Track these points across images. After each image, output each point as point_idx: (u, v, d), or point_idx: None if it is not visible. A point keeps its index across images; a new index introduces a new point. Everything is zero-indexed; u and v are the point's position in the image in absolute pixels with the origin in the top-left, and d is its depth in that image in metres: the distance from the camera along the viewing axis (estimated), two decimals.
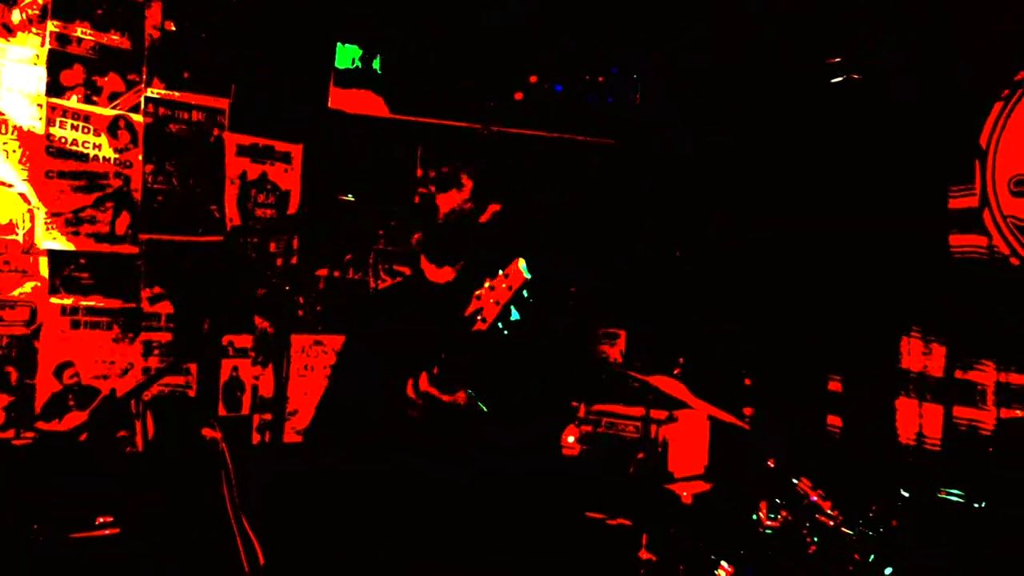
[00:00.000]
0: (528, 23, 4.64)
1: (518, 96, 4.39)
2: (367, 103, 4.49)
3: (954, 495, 3.29)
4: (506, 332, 2.44)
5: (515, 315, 2.46)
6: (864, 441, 3.88)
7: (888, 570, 3.15)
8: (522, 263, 2.47)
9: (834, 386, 4.18)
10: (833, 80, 4.48)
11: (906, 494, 3.26)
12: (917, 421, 4.03)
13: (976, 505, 3.30)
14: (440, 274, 2.97)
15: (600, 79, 4.60)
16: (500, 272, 2.48)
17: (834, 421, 4.09)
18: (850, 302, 4.17)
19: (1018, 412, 3.56)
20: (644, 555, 3.38)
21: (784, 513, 3.29)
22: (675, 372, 3.78)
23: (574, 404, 3.74)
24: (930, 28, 4.10)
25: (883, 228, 4.25)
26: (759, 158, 4.67)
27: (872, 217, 4.30)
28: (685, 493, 3.61)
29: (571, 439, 3.72)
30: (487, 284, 2.51)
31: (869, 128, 4.34)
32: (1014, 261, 4.05)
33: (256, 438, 4.36)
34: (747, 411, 3.98)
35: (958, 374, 4.04)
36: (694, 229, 4.19)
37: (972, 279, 4.11)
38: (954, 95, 4.25)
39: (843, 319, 4.17)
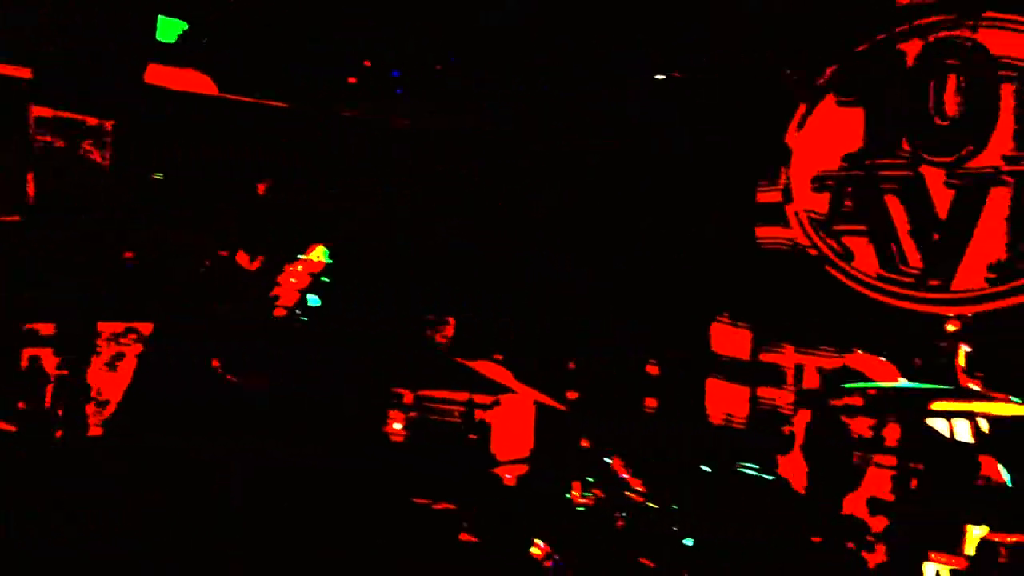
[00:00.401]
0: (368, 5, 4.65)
1: (351, 80, 4.45)
2: (191, 80, 4.43)
3: (750, 468, 3.55)
4: (304, 318, 2.55)
5: (314, 301, 2.56)
6: (677, 420, 4.13)
7: (688, 541, 3.38)
8: (321, 249, 2.57)
9: (652, 369, 4.43)
10: (657, 77, 4.73)
11: (708, 469, 3.50)
12: (725, 401, 4.31)
13: (769, 478, 3.57)
14: (248, 261, 3.05)
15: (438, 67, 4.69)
16: (299, 257, 2.58)
17: (651, 403, 4.33)
18: (668, 291, 4.42)
19: None
20: (465, 537, 3.53)
21: (597, 491, 3.49)
22: (497, 358, 3.94)
23: (400, 390, 3.85)
24: (731, 36, 4.38)
25: (699, 222, 4.53)
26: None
27: (688, 212, 4.56)
28: (508, 476, 3.78)
29: (397, 425, 3.84)
30: (287, 269, 2.61)
31: (688, 126, 4.60)
32: (812, 252, 4.37)
33: (59, 433, 4.20)
34: (571, 395, 4.18)
35: (762, 357, 4.34)
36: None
37: (776, 268, 4.42)
38: (764, 98, 4.55)
39: (662, 307, 4.42)
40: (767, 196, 4.49)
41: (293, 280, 2.62)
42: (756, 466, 3.48)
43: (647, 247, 4.36)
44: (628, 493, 3.46)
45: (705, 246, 4.41)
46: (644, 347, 4.25)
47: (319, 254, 2.70)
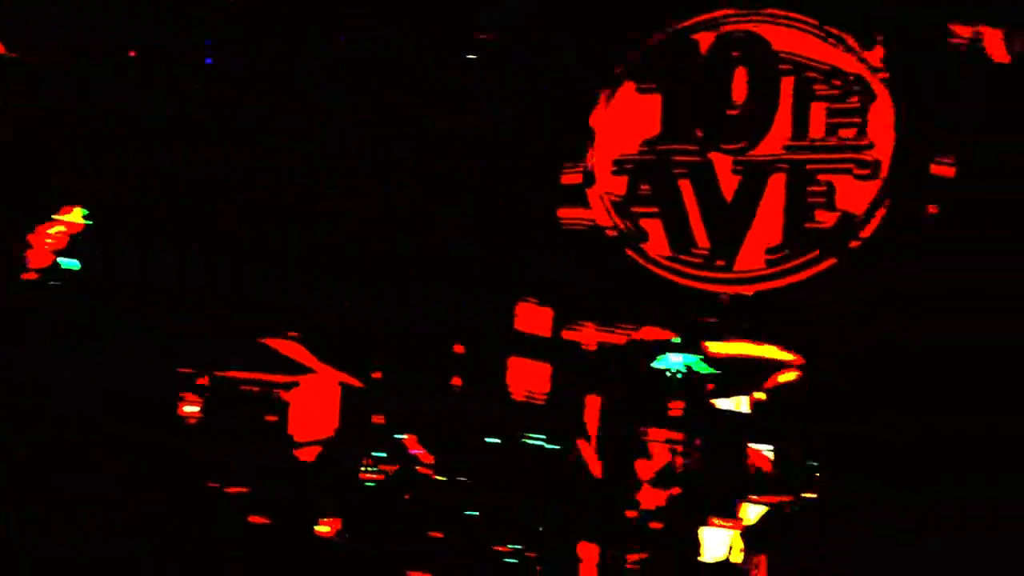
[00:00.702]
0: None
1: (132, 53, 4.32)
2: None
3: (537, 439, 3.72)
4: (59, 283, 2.49)
5: (71, 264, 2.49)
6: (480, 397, 4.26)
7: (473, 512, 3.52)
8: (78, 210, 2.50)
9: (458, 348, 4.55)
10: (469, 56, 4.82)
11: (497, 440, 3.65)
12: (527, 377, 4.46)
13: (558, 447, 3.74)
14: None
15: None
16: (55, 217, 2.48)
17: (456, 381, 4.45)
18: (474, 270, 4.54)
19: None
20: (256, 519, 3.58)
21: (386, 467, 3.59)
22: (293, 335, 3.98)
23: (193, 371, 3.86)
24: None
25: (505, 204, 4.65)
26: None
27: (494, 193, 4.68)
28: (306, 455, 3.83)
29: (191, 408, 3.84)
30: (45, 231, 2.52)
31: (493, 109, 4.71)
32: (611, 233, 4.55)
33: None
34: (376, 375, 4.26)
35: (564, 335, 4.50)
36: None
37: (578, 249, 4.58)
38: (570, 81, 4.69)
39: (468, 287, 4.54)
40: (571, 178, 4.65)
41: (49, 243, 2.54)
42: (544, 438, 3.64)
43: (452, 228, 4.46)
44: (419, 468, 3.57)
45: (510, 227, 4.54)
46: (450, 327, 4.36)
47: (75, 215, 2.63)
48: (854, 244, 3.94)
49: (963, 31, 3.28)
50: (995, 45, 3.22)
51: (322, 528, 3.40)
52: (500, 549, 3.24)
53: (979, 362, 3.11)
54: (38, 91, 4.32)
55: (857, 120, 3.88)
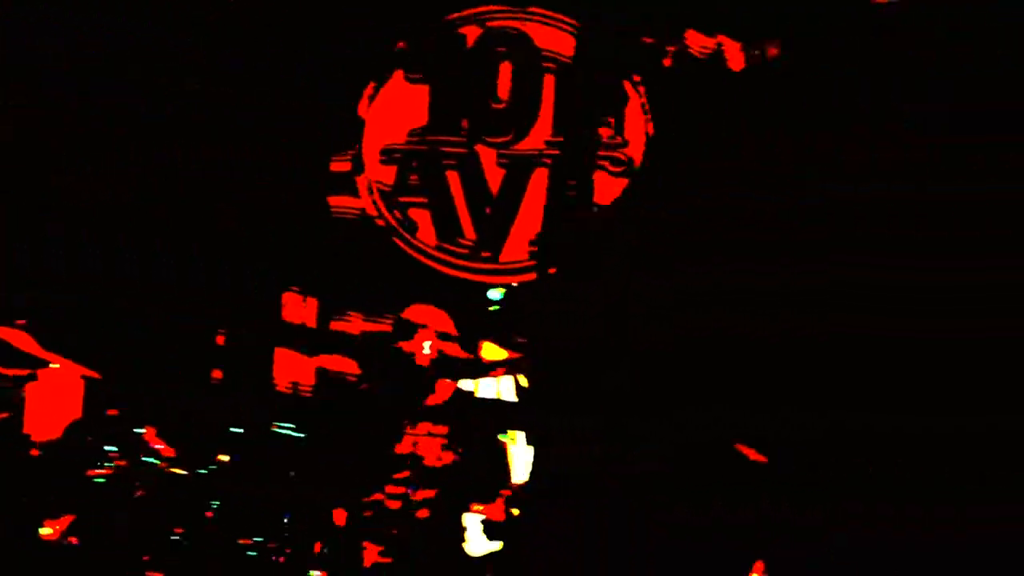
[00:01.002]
0: None
1: None
2: None
3: (285, 428, 3.71)
4: None
5: None
6: (242, 390, 4.19)
7: (215, 503, 3.46)
8: None
9: (220, 340, 4.45)
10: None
11: (239, 430, 3.61)
12: (293, 368, 4.42)
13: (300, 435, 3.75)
14: None
15: None
16: None
17: (216, 374, 4.35)
18: (240, 261, 4.45)
19: None
20: None
21: (118, 462, 3.46)
22: (20, 323, 3.77)
23: None
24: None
25: (274, 192, 4.58)
26: None
27: (263, 182, 4.60)
28: (36, 451, 3.64)
29: None
30: None
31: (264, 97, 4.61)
32: (380, 223, 4.56)
33: None
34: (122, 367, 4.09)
35: (332, 325, 4.49)
36: None
37: (347, 238, 4.57)
38: (343, 70, 4.65)
39: (234, 277, 4.44)
40: (340, 166, 4.62)
41: None
42: (293, 426, 3.64)
43: (217, 213, 4.34)
44: (157, 462, 3.47)
45: (279, 216, 4.46)
46: (214, 318, 4.25)
47: None
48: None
49: (708, 41, 3.48)
50: (734, 54, 3.43)
51: (47, 530, 3.25)
52: (243, 542, 3.21)
53: (715, 358, 3.30)
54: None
55: (612, 120, 4.04)
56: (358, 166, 4.50)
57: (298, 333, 4.35)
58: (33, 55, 4.37)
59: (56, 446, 3.35)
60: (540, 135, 4.24)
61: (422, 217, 4.42)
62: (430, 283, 4.37)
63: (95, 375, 3.38)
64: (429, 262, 4.37)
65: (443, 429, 3.95)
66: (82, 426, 3.41)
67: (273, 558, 3.15)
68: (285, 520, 3.23)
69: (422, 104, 4.45)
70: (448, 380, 4.03)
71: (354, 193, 4.49)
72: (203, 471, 3.27)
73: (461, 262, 4.31)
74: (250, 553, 3.14)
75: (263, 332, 4.31)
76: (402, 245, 4.43)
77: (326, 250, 4.41)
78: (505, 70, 4.29)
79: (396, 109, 4.48)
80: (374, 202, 4.47)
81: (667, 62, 3.79)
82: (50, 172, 4.25)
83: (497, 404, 4.03)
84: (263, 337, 4.31)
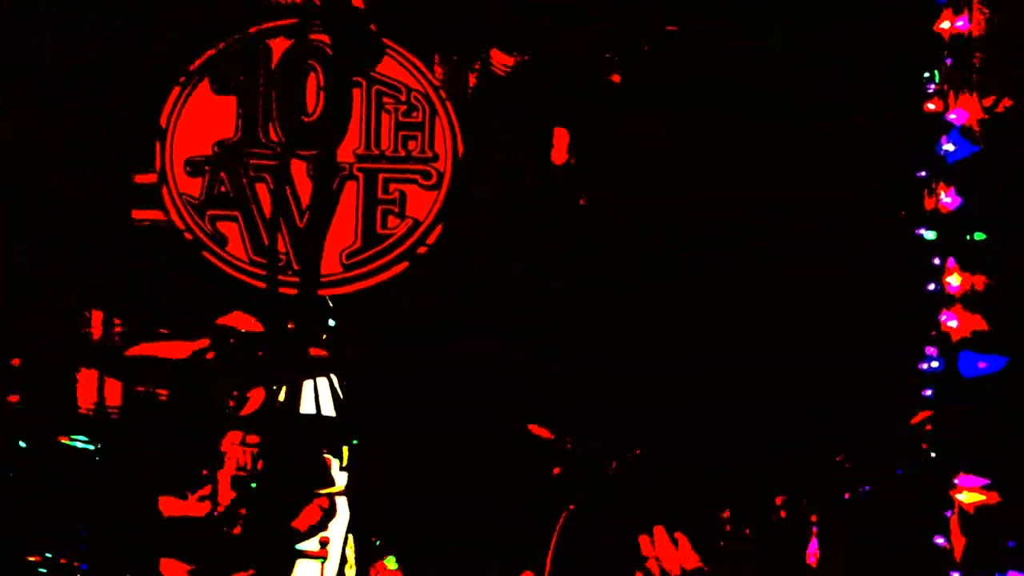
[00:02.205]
0: None
1: None
2: None
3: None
4: None
5: None
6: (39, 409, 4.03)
7: None
8: None
9: (16, 361, 4.26)
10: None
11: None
12: (95, 390, 4.29)
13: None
14: None
15: None
16: None
17: (14, 399, 4.16)
18: (37, 280, 4.27)
19: None
20: None
21: None
22: None
23: None
24: None
25: (77, 204, 4.40)
26: None
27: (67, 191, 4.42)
28: None
29: None
30: None
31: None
32: (188, 236, 4.46)
33: None
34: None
35: (132, 351, 4.36)
36: None
37: (153, 252, 4.45)
38: (141, 77, 4.50)
39: (30, 295, 4.26)
40: (145, 177, 4.48)
41: None
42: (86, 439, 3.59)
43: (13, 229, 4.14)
44: None
45: (82, 228, 4.30)
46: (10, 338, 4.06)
47: None
48: (421, 250, 4.17)
49: (506, 59, 3.57)
50: (536, 72, 3.55)
51: None
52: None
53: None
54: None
55: (420, 134, 4.09)
56: (163, 177, 4.38)
57: (104, 353, 4.22)
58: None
59: None
60: (350, 147, 4.25)
61: (232, 230, 4.35)
62: (242, 297, 4.33)
63: None
64: (242, 276, 4.31)
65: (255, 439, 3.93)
66: None
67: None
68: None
69: (229, 115, 4.39)
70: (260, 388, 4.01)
71: (160, 206, 4.38)
72: None
73: (275, 275, 4.28)
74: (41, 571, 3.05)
75: (65, 352, 4.16)
76: (212, 259, 4.36)
77: (131, 265, 4.29)
78: (312, 82, 4.27)
79: (201, 119, 4.39)
80: (180, 215, 4.37)
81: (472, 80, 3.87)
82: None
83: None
84: (65, 357, 4.16)
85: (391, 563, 2.76)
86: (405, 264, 4.29)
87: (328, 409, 4.42)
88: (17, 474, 3.47)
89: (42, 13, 4.26)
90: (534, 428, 1.83)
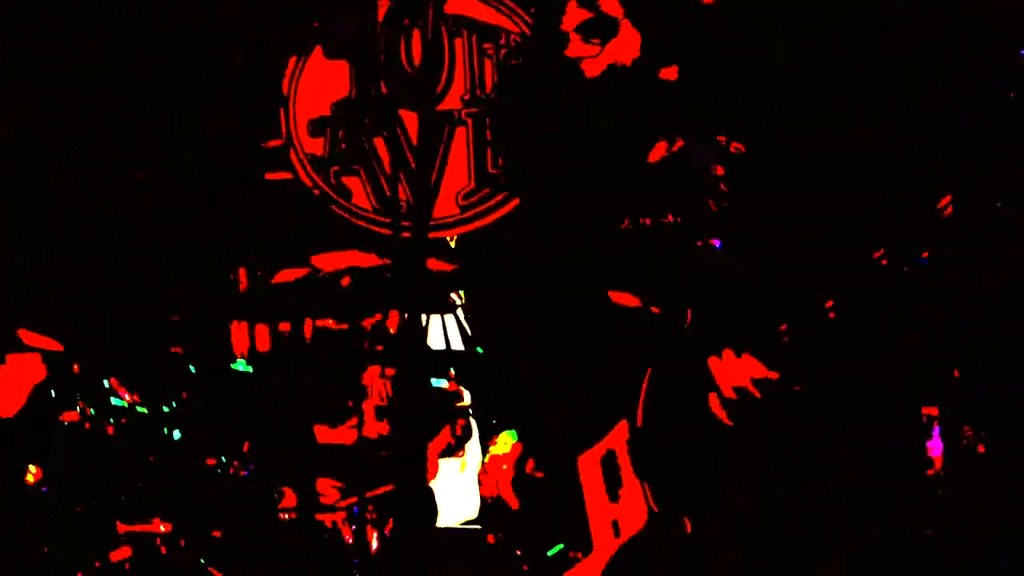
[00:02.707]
0: None
1: None
2: None
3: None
4: None
5: None
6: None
7: (177, 434, 3.75)
8: None
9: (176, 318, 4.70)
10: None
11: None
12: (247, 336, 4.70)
13: None
14: None
15: None
16: None
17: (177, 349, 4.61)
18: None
19: None
20: None
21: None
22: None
23: None
24: None
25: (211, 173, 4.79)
26: None
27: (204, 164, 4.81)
28: None
29: None
30: None
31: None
32: (316, 192, 4.79)
33: None
34: None
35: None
36: None
37: (286, 211, 4.81)
38: (259, 51, 4.84)
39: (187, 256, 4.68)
40: (271, 143, 4.83)
41: None
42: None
43: (163, 197, 4.55)
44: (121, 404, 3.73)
45: (221, 195, 4.68)
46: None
47: None
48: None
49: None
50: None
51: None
52: None
53: None
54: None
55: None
56: (289, 140, 4.73)
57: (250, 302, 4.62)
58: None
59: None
60: (456, 94, 4.50)
61: (355, 184, 4.67)
62: (373, 245, 4.64)
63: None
64: (369, 226, 4.63)
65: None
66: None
67: None
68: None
69: (343, 76, 4.69)
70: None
71: (288, 167, 4.73)
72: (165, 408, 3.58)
73: (397, 222, 4.58)
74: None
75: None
76: (341, 212, 4.69)
77: (271, 225, 4.65)
78: (416, 36, 4.52)
79: (318, 83, 4.71)
80: (308, 174, 4.71)
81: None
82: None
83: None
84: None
85: (511, 437, 2.93)
86: (517, 200, 4.54)
87: (456, 343, 4.73)
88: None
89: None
90: (615, 295, 1.98)
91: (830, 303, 1.87)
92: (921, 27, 2.05)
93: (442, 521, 4.16)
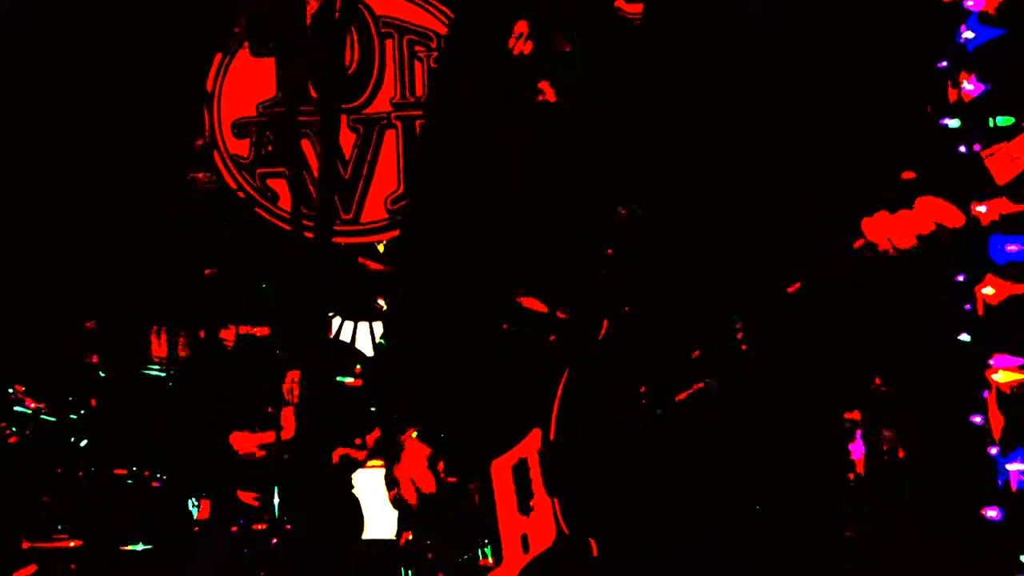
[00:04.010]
0: None
1: None
2: None
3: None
4: None
5: None
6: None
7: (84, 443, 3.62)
8: None
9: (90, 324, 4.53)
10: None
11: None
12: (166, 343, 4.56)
13: None
14: None
15: None
16: None
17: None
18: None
19: None
20: None
21: None
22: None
23: None
24: None
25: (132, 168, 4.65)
26: None
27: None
28: None
29: None
30: None
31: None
32: (240, 195, 4.67)
33: None
34: None
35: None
36: None
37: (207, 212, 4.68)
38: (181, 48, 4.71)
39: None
40: (195, 142, 4.70)
41: None
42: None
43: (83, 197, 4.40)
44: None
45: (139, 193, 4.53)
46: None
47: None
48: None
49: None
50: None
51: None
52: None
53: None
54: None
55: None
56: (212, 141, 4.60)
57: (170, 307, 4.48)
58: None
59: None
60: (386, 97, 4.42)
61: (280, 186, 4.56)
62: (297, 249, 4.53)
63: None
64: (291, 228, 4.51)
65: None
66: None
67: None
68: None
69: (268, 76, 4.58)
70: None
71: (212, 167, 4.60)
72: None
73: (323, 226, 4.47)
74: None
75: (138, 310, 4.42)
76: (265, 215, 4.57)
77: (192, 227, 4.51)
78: (348, 37, 4.44)
79: (245, 82, 4.59)
80: (232, 175, 4.59)
81: None
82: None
83: None
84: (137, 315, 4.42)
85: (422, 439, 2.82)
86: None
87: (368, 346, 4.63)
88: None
89: None
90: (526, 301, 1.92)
91: (747, 310, 1.84)
92: (837, 40, 2.04)
93: (365, 532, 4.07)
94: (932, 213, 1.75)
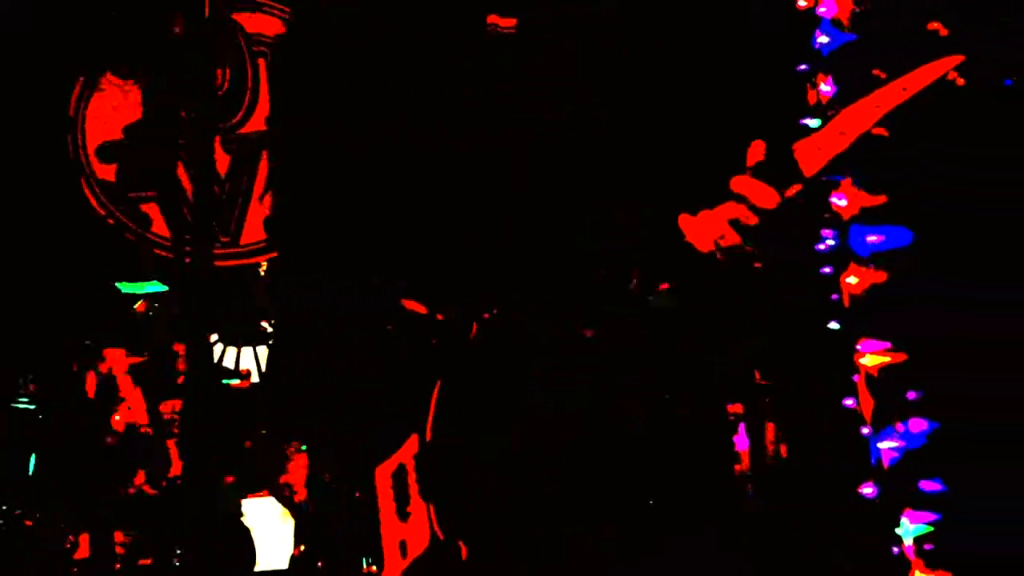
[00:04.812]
0: None
1: None
2: None
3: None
4: None
5: None
6: None
7: None
8: None
9: None
10: None
11: None
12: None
13: None
14: None
15: None
16: None
17: None
18: None
19: None
20: None
21: None
22: None
23: None
24: None
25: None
26: None
27: None
28: None
29: None
30: None
31: None
32: (110, 221, 4.50)
33: None
34: None
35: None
36: None
37: (69, 241, 4.49)
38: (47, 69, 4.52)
39: None
40: (60, 167, 4.51)
41: None
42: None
43: None
44: None
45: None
46: None
47: None
48: None
49: None
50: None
51: None
52: None
53: None
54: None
55: None
56: (78, 166, 4.41)
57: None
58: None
59: None
60: (261, 116, 4.33)
61: (153, 211, 4.40)
62: (175, 274, 4.37)
63: None
64: (170, 255, 4.36)
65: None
66: None
67: None
68: None
69: (136, 98, 4.43)
70: None
71: (80, 194, 4.41)
72: None
73: (201, 251, 4.33)
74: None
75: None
76: (136, 240, 4.40)
77: (57, 255, 4.31)
78: (219, 57, 4.33)
79: (110, 106, 4.43)
80: (100, 201, 4.41)
81: None
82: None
83: None
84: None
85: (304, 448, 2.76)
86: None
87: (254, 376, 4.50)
88: None
89: None
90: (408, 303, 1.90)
91: (630, 305, 1.86)
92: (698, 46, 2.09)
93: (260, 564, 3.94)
94: (745, 195, 1.80)
